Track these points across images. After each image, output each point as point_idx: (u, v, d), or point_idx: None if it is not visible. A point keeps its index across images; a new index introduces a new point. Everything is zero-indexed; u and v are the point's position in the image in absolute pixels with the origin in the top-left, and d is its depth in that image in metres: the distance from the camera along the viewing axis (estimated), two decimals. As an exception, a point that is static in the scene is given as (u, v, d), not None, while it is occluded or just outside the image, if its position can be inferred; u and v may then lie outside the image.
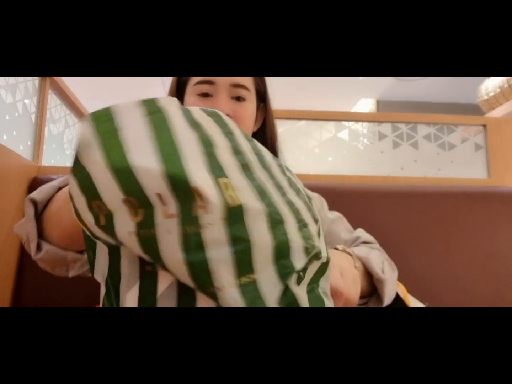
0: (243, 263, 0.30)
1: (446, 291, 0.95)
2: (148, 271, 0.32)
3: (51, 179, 0.94)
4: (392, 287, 0.64)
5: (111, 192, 0.29)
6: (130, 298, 0.32)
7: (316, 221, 0.37)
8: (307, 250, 0.33)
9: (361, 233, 0.75)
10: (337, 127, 1.26)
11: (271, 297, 0.31)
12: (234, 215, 0.30)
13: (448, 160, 1.24)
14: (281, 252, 0.31)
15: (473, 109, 2.04)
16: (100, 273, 0.34)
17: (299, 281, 0.36)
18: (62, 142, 1.39)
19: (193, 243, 0.29)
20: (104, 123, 0.30)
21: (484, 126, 1.22)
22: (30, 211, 0.49)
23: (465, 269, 0.96)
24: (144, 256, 0.31)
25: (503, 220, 0.99)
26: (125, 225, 0.29)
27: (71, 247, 0.50)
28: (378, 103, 4.48)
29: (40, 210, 0.50)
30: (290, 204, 0.35)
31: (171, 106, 0.32)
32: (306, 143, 1.23)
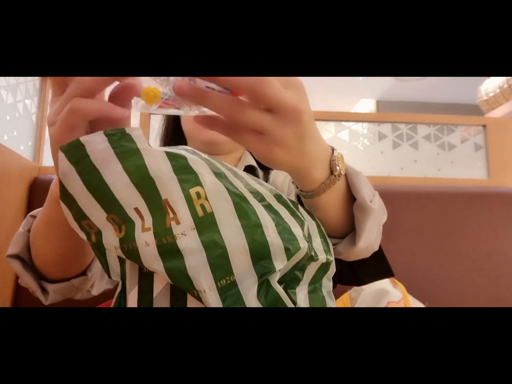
0: (221, 267, 0.31)
1: (445, 291, 0.95)
2: (145, 273, 0.34)
3: (52, 179, 0.94)
4: (377, 231, 0.47)
5: (95, 212, 0.32)
6: (131, 298, 0.34)
7: (301, 224, 0.37)
8: (288, 251, 0.33)
9: None
10: (337, 127, 1.26)
11: (252, 297, 0.32)
12: (206, 223, 0.31)
13: (448, 160, 1.24)
14: (260, 253, 0.32)
15: (473, 110, 2.05)
16: (116, 274, 0.36)
17: (297, 281, 0.36)
18: (63, 142, 1.39)
19: (169, 252, 0.31)
20: (76, 151, 0.31)
21: (484, 126, 1.22)
22: (17, 266, 0.49)
23: (465, 269, 0.96)
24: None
25: (503, 220, 0.99)
26: (111, 241, 0.32)
27: (68, 274, 0.50)
28: (378, 103, 4.48)
29: (28, 258, 0.50)
30: (269, 207, 0.35)
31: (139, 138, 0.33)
32: (306, 143, 1.23)
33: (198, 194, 0.32)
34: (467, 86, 3.81)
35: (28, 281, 0.49)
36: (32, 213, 0.52)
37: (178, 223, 0.31)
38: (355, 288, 0.81)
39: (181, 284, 0.31)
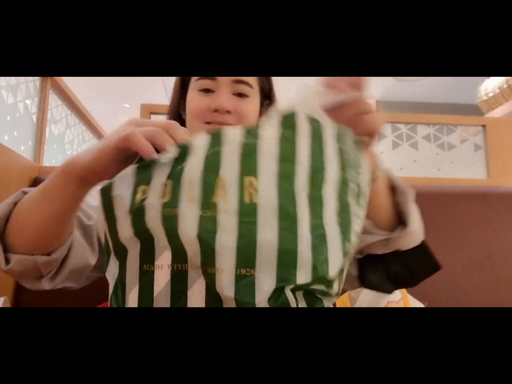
0: (245, 256, 0.32)
1: (445, 291, 0.95)
2: (145, 270, 0.35)
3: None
4: (417, 214, 0.55)
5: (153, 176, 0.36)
6: (132, 298, 0.35)
7: (345, 254, 0.36)
8: (315, 270, 0.34)
9: None
10: (337, 128, 1.26)
11: (263, 296, 0.32)
12: (248, 210, 0.33)
13: (448, 161, 1.24)
14: (287, 260, 0.33)
15: (473, 110, 2.05)
16: (111, 275, 0.37)
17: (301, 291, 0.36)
18: (63, 143, 1.39)
19: (207, 224, 0.33)
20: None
21: (484, 126, 1.22)
22: None
23: (464, 269, 0.96)
24: (161, 236, 0.34)
25: (502, 220, 1.00)
26: (154, 207, 0.34)
27: (37, 251, 0.50)
28: (378, 103, 4.48)
29: (1, 228, 0.50)
30: (318, 199, 0.36)
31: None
32: (306, 144, 1.23)
33: (251, 182, 0.34)
34: (466, 86, 3.82)
35: None
36: (24, 189, 0.53)
37: (225, 201, 0.33)
38: (355, 288, 0.81)
39: (205, 254, 0.33)
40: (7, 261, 0.50)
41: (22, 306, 0.85)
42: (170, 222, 0.33)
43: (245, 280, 0.32)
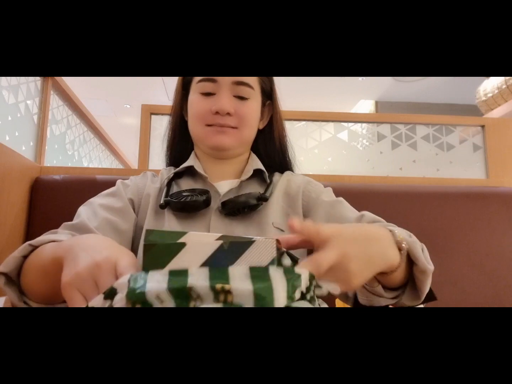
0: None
1: (444, 291, 0.95)
2: None
3: (53, 180, 0.95)
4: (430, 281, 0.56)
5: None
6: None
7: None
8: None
9: (366, 212, 0.67)
10: (337, 128, 1.26)
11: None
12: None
13: (447, 161, 1.25)
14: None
15: (472, 110, 2.05)
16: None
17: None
18: (64, 143, 1.39)
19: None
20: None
21: (483, 126, 1.23)
22: (1, 281, 0.52)
23: (464, 269, 0.96)
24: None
25: (501, 220, 1.00)
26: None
27: (56, 303, 0.52)
28: (377, 104, 4.48)
29: (15, 278, 0.53)
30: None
31: None
32: (306, 144, 1.24)
33: (222, 287, 0.33)
34: (465, 87, 3.82)
35: (10, 296, 0.52)
36: (31, 242, 0.54)
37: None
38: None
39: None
40: (27, 304, 0.53)
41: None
42: None
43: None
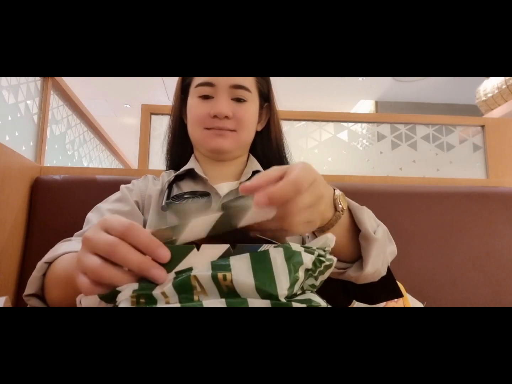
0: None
1: (444, 291, 0.95)
2: None
3: (53, 180, 0.95)
4: (383, 258, 0.52)
5: None
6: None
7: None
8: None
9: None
10: (337, 128, 1.27)
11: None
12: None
13: (447, 161, 1.25)
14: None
15: (472, 110, 2.05)
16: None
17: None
18: (64, 143, 1.39)
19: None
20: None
21: (483, 126, 1.23)
22: (36, 303, 0.55)
23: (463, 269, 0.96)
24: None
25: (501, 220, 1.00)
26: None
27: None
28: (377, 104, 4.49)
29: (41, 296, 0.55)
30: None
31: None
32: (306, 144, 1.24)
33: (224, 276, 0.33)
34: (465, 87, 3.83)
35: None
36: (44, 259, 0.55)
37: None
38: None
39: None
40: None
41: (23, 306, 0.85)
42: None
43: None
